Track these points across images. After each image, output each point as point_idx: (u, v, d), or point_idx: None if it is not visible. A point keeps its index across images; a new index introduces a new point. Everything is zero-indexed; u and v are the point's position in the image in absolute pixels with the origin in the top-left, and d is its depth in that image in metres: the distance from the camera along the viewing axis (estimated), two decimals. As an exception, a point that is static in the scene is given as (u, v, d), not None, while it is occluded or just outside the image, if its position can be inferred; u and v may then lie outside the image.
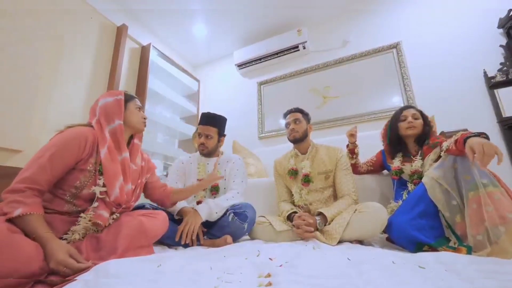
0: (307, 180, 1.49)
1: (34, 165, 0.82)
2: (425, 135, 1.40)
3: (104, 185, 0.93)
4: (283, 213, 1.46)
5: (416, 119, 1.41)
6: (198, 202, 1.51)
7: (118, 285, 0.60)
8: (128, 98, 1.11)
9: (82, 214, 0.89)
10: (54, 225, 0.84)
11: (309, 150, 1.57)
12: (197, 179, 1.55)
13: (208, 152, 1.59)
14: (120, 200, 0.96)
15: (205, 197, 1.54)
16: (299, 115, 1.57)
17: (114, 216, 0.96)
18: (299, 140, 1.55)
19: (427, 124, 1.42)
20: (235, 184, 1.53)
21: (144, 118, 1.14)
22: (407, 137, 1.43)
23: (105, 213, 0.92)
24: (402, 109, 1.48)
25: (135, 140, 1.15)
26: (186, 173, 1.63)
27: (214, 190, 1.54)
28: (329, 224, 1.28)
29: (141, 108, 1.15)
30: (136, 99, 1.15)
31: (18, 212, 0.73)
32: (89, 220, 0.89)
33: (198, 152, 1.67)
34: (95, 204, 0.92)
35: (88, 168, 0.92)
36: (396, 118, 1.46)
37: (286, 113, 1.64)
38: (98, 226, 0.91)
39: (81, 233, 0.87)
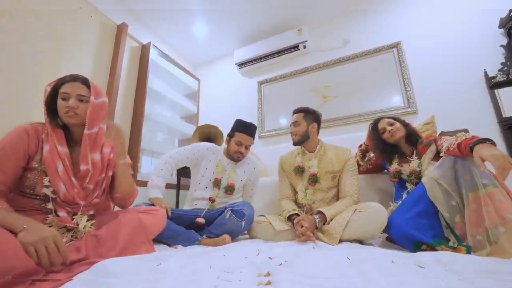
0: (314, 180, 1.47)
1: None
2: (413, 134, 1.41)
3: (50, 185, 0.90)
4: (284, 213, 1.45)
5: (392, 124, 1.43)
6: (210, 199, 1.53)
7: (118, 284, 0.60)
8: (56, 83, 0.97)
9: (47, 221, 0.87)
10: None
11: (317, 149, 1.55)
12: (215, 178, 1.57)
13: (238, 161, 1.65)
14: (69, 198, 0.91)
15: (218, 196, 1.57)
16: (299, 117, 1.55)
17: (81, 218, 0.91)
18: (299, 143, 1.55)
19: (405, 124, 1.45)
20: (253, 192, 1.77)
21: (67, 108, 0.93)
22: (396, 142, 1.43)
23: (63, 214, 0.89)
24: (375, 124, 1.51)
25: (87, 131, 0.97)
26: (203, 158, 1.63)
27: (229, 190, 1.58)
28: (329, 223, 1.28)
29: (66, 96, 0.94)
30: (63, 85, 0.95)
31: None
32: (53, 225, 0.86)
33: (222, 149, 1.70)
34: (49, 205, 0.89)
35: (34, 166, 0.90)
36: (377, 134, 1.48)
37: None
38: (73, 229, 0.89)
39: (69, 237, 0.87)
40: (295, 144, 1.56)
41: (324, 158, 1.52)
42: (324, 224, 1.29)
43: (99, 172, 1.01)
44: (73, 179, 0.93)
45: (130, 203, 1.16)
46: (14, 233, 0.69)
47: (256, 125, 1.71)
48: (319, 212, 1.32)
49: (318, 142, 1.58)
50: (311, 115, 1.57)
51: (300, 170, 1.53)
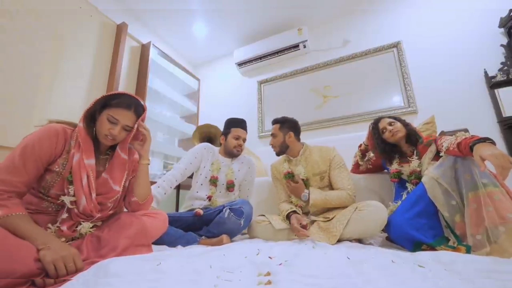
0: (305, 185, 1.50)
1: (8, 166, 0.79)
2: (413, 134, 1.40)
3: (74, 195, 0.89)
4: (283, 213, 1.46)
5: (392, 124, 1.43)
6: (208, 197, 1.56)
7: (118, 284, 0.60)
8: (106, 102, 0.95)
9: (50, 226, 0.86)
10: (41, 225, 0.83)
11: (300, 153, 1.58)
12: (212, 176, 1.62)
13: (238, 156, 1.71)
14: (87, 211, 0.90)
15: (219, 191, 1.62)
16: (275, 129, 1.62)
17: (84, 228, 0.90)
18: (280, 153, 1.61)
19: (406, 123, 1.45)
20: (250, 192, 1.77)
21: (110, 133, 0.93)
22: (396, 141, 1.43)
23: (65, 228, 0.86)
24: (376, 124, 1.50)
25: (120, 151, 1.02)
26: (202, 158, 1.68)
27: (231, 187, 1.64)
28: (328, 220, 1.29)
29: (114, 121, 0.93)
30: (116, 108, 0.94)
31: None
32: (54, 232, 0.85)
33: (217, 149, 1.75)
34: (64, 215, 0.88)
35: (55, 169, 0.88)
36: (378, 134, 1.48)
37: None
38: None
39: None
40: (277, 155, 1.63)
41: (310, 161, 1.54)
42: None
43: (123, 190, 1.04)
44: (93, 195, 0.92)
45: (146, 208, 1.10)
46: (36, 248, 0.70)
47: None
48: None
49: (301, 146, 1.61)
50: (286, 125, 1.60)
51: (290, 176, 1.55)
